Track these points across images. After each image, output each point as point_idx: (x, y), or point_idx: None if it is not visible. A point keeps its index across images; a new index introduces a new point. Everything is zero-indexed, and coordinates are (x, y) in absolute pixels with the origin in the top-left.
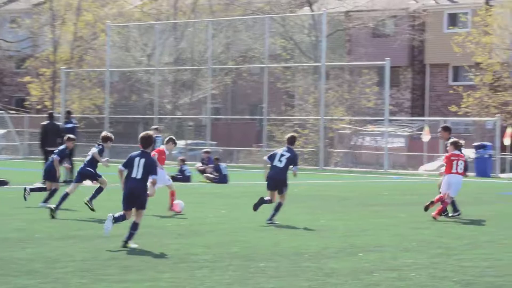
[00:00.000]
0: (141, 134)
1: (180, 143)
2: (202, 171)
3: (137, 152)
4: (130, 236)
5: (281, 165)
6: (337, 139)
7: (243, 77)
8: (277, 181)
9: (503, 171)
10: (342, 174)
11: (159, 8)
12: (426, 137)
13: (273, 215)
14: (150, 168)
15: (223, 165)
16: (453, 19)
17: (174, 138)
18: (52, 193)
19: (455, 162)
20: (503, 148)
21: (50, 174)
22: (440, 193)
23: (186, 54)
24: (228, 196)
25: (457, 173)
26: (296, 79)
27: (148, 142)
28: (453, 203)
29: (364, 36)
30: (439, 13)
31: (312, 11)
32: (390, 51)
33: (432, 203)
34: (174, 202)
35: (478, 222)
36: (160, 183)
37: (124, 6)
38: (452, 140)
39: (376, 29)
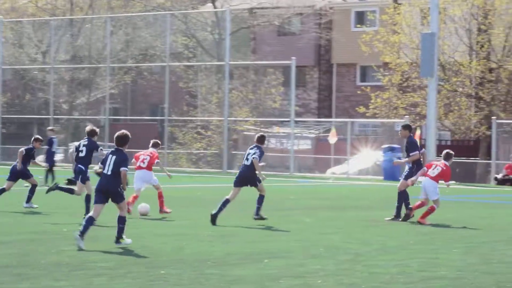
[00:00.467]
0: (118, 133)
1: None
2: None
3: (111, 150)
4: (120, 231)
5: (248, 163)
6: (241, 141)
7: (143, 76)
8: (244, 178)
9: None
10: None
11: (54, 3)
12: (333, 139)
13: (259, 209)
14: (120, 163)
15: None
16: (361, 18)
17: (158, 141)
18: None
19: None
20: None
21: (14, 175)
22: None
23: (84, 52)
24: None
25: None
26: (198, 79)
27: (124, 140)
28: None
29: (269, 34)
30: (346, 11)
31: (215, 8)
32: (296, 50)
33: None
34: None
35: (386, 227)
36: (147, 183)
37: (17, 1)
38: (445, 151)
39: (282, 27)
